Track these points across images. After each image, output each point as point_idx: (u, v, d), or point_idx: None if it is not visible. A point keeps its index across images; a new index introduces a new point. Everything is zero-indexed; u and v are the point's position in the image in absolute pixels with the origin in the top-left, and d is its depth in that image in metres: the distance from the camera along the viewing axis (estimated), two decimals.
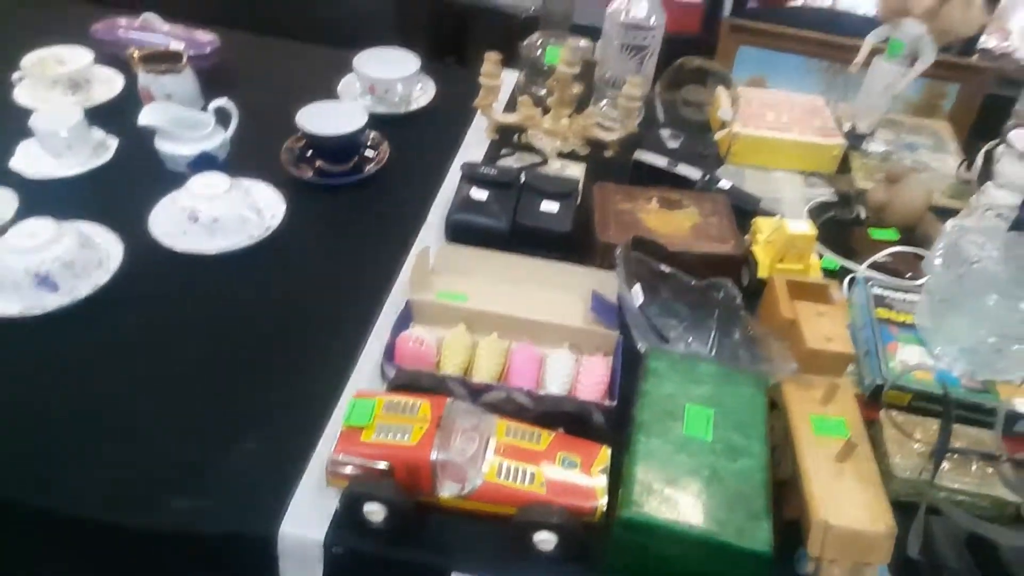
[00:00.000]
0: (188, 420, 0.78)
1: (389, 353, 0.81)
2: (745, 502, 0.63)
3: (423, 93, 1.29)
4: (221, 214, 0.95)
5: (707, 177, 1.08)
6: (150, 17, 1.31)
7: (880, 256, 0.99)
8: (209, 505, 0.70)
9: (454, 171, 1.14)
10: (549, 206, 1.00)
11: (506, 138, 1.22)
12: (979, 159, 1.09)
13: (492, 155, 1.19)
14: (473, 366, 0.82)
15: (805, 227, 0.93)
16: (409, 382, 0.77)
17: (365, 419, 0.70)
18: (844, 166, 1.22)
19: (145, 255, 0.95)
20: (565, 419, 0.76)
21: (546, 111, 1.17)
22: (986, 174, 1.04)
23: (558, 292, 0.93)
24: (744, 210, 1.06)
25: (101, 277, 0.90)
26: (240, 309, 0.91)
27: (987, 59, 1.95)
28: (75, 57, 1.20)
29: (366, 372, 0.83)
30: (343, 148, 1.09)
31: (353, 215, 1.07)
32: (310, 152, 1.11)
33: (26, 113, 1.07)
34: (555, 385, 0.80)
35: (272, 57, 1.42)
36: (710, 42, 1.65)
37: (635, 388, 0.73)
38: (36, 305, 0.86)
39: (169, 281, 0.93)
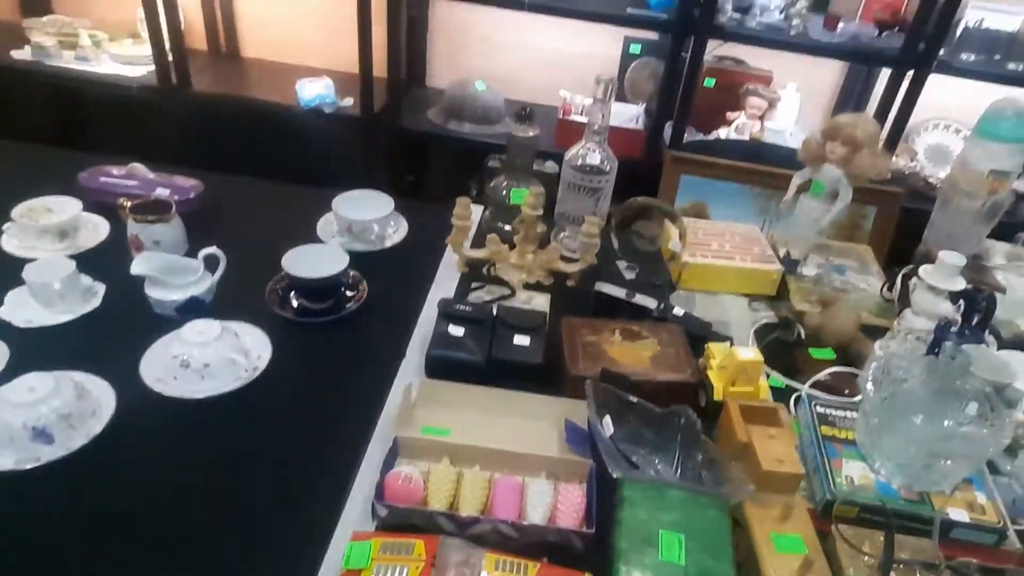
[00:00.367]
0: (182, 564, 0.80)
1: (379, 492, 0.85)
2: None
3: (397, 230, 1.39)
4: (212, 359, 1.01)
5: (662, 305, 1.19)
6: (135, 167, 1.39)
7: (821, 375, 1.10)
8: None
9: (429, 304, 1.22)
10: (521, 339, 1.09)
11: (475, 270, 1.31)
12: (898, 282, 1.23)
13: (463, 287, 1.28)
14: (459, 498, 0.87)
15: (752, 354, 1.03)
16: (401, 521, 0.82)
17: (363, 562, 0.74)
18: (783, 287, 1.35)
19: (137, 401, 0.98)
20: (549, 548, 0.82)
21: (512, 246, 1.28)
22: (906, 295, 1.17)
23: (534, 421, 1.00)
24: (697, 335, 1.16)
25: (95, 427, 0.93)
26: (231, 450, 0.95)
27: (898, 177, 2.19)
28: (64, 206, 1.26)
29: (357, 508, 0.88)
30: (326, 289, 1.17)
31: (337, 352, 1.13)
32: (293, 292, 1.18)
33: (13, 261, 1.12)
34: (536, 514, 0.85)
35: (252, 197, 1.51)
36: (652, 165, 1.82)
37: (612, 516, 0.80)
38: (30, 457, 0.88)
39: (161, 427, 0.97)
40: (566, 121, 2.19)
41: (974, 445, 0.86)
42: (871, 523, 0.87)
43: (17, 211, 1.24)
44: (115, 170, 1.40)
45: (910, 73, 1.96)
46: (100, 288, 1.17)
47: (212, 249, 1.15)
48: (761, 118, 2.21)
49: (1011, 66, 1.99)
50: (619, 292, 1.20)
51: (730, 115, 2.26)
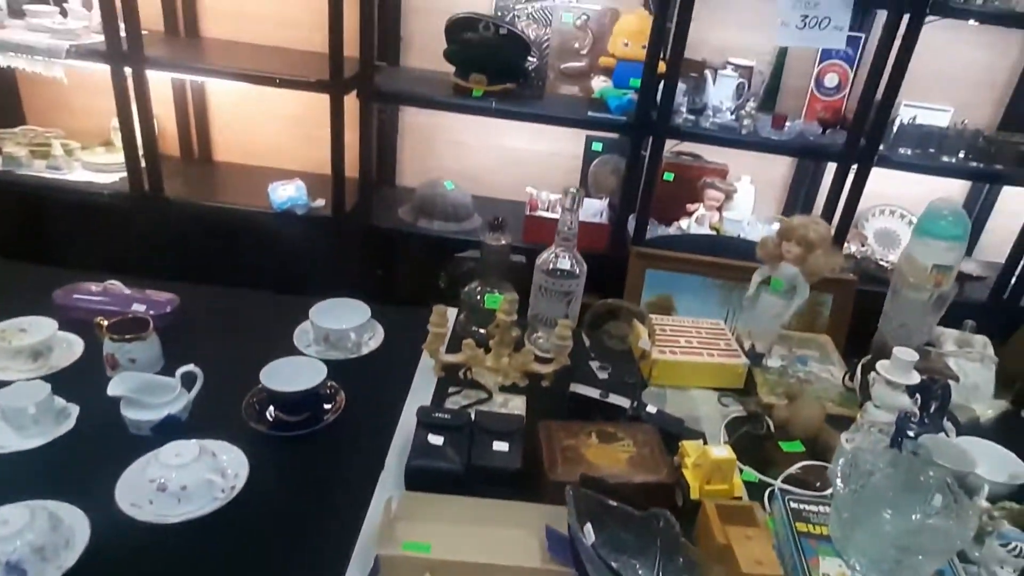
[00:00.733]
0: None
1: None
2: None
3: (373, 337, 1.42)
4: (189, 481, 1.00)
5: (635, 404, 1.22)
6: (112, 284, 1.41)
7: (792, 469, 1.13)
8: None
9: (407, 410, 1.24)
10: (500, 445, 1.10)
11: (452, 374, 1.34)
12: (858, 372, 1.28)
13: (441, 392, 1.30)
14: None
15: (725, 452, 1.06)
16: None
17: None
18: (750, 380, 1.39)
19: (111, 530, 0.96)
20: None
21: (487, 350, 1.31)
22: (866, 385, 1.22)
23: (514, 529, 1.00)
24: (671, 432, 1.19)
25: (68, 559, 0.91)
26: (209, 574, 0.94)
27: (851, 261, 2.29)
28: (38, 327, 1.26)
29: None
30: (303, 401, 1.17)
31: (314, 465, 1.13)
32: (272, 406, 1.19)
33: None
34: None
35: (227, 308, 1.51)
36: (617, 259, 1.89)
37: None
38: None
39: (135, 555, 0.95)
40: (533, 217, 2.27)
41: (943, 539, 0.89)
42: None
43: None
44: (92, 286, 1.41)
45: (854, 167, 2.10)
46: (74, 409, 1.16)
47: (190, 367, 1.16)
48: (719, 209, 2.31)
49: (944, 159, 2.14)
50: (593, 392, 1.23)
51: (690, 207, 2.36)
